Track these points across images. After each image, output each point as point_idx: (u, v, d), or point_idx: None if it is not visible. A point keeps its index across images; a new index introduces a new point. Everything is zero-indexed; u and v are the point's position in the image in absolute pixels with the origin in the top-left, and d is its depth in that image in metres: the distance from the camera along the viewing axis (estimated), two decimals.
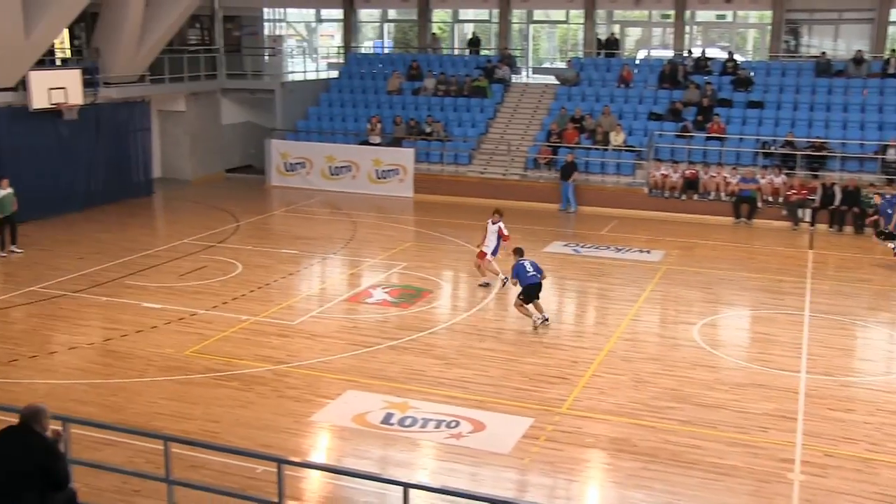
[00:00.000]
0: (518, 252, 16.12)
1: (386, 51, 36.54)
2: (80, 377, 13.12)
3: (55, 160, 23.84)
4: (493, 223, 17.79)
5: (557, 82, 30.46)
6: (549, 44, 39.11)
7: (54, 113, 23.28)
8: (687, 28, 32.40)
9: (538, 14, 35.83)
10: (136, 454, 10.36)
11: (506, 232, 17.72)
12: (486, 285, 17.74)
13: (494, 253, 17.75)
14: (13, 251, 19.86)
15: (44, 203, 22.94)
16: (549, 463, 10.68)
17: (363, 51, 35.73)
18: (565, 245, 21.57)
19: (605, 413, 12.04)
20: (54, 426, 7.57)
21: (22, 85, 22.63)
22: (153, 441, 9.65)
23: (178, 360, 13.75)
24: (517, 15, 34.62)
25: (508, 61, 31.36)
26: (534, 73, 35.20)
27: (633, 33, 36.77)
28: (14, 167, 22.00)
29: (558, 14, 35.99)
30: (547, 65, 37.18)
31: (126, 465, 9.72)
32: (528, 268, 15.55)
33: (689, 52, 30.75)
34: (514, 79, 31.47)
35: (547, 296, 18.08)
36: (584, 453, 10.99)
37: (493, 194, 26.14)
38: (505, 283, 17.32)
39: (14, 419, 7.40)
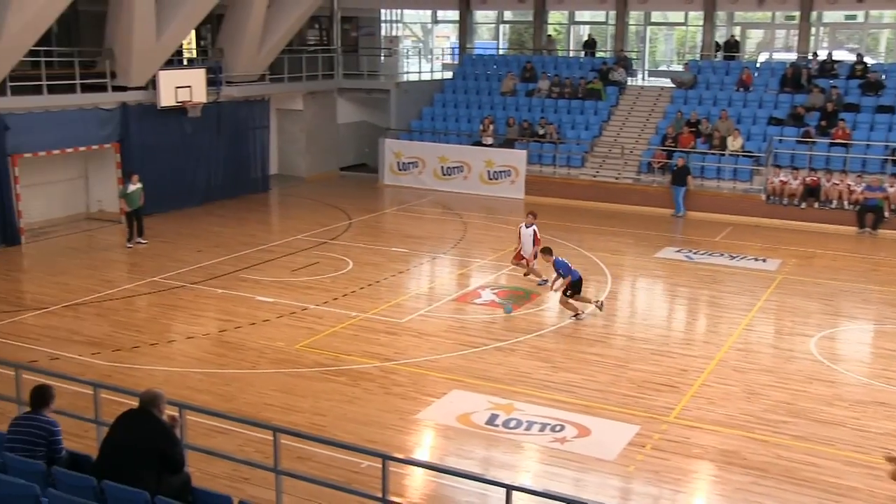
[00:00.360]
0: (548, 251, 16.21)
1: (500, 52, 36.53)
2: (196, 366, 13.58)
3: (179, 156, 24.75)
4: (528, 226, 17.73)
5: (673, 85, 29.87)
6: (667, 46, 38.37)
7: (180, 111, 24.20)
8: (812, 30, 31.23)
9: (656, 16, 35.19)
10: (247, 443, 10.65)
11: (538, 235, 17.65)
12: (545, 282, 17.61)
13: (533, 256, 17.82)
14: (139, 242, 20.73)
15: (167, 197, 23.86)
16: (654, 472, 10.48)
17: (477, 51, 35.80)
18: (677, 251, 21.13)
19: (714, 424, 11.74)
20: (171, 412, 7.87)
21: (152, 84, 23.61)
22: (263, 431, 9.91)
23: (288, 353, 14.08)
24: (634, 16, 34.06)
25: (624, 63, 30.92)
26: (650, 75, 34.59)
27: (755, 35, 35.69)
28: (141, 162, 23.05)
29: (676, 16, 35.25)
30: (663, 67, 36.50)
31: (236, 452, 10.00)
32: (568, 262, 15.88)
33: (815, 54, 29.64)
34: (630, 81, 31.01)
35: (657, 302, 17.83)
36: (691, 464, 10.74)
37: (604, 198, 25.85)
38: (545, 283, 17.52)
39: (133, 402, 7.72)
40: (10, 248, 20.48)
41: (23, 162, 20.84)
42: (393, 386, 12.87)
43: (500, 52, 36.61)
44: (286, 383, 12.90)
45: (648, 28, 35.30)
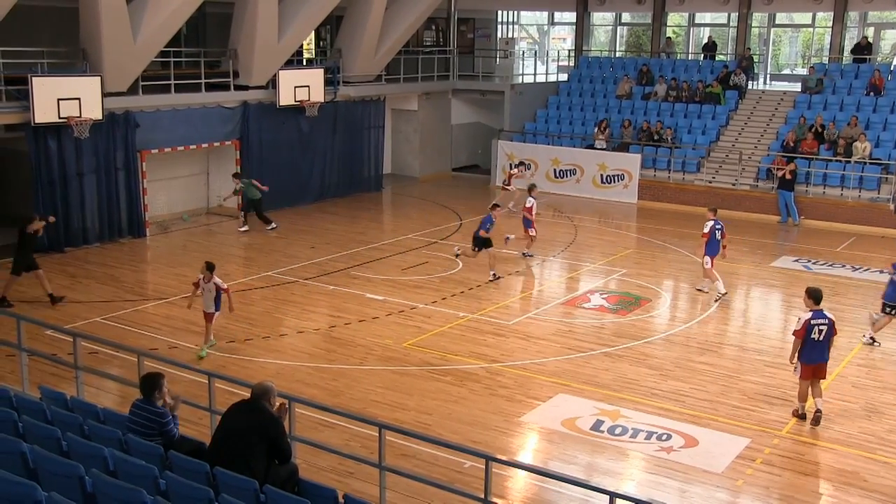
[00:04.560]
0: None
1: (617, 54, 36.06)
2: (306, 360, 13.88)
3: (295, 154, 25.37)
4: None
5: (797, 90, 28.85)
6: (791, 49, 37.12)
7: (297, 110, 24.79)
8: None
9: (781, 17, 34.05)
10: (352, 438, 10.83)
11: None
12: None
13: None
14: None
15: (283, 193, 24.48)
16: (764, 487, 10.17)
17: (593, 54, 35.43)
18: (795, 260, 20.43)
19: (830, 441, 11.30)
20: (279, 400, 8.07)
21: (272, 83, 24.27)
22: (368, 427, 10.06)
23: (396, 351, 14.25)
24: (757, 18, 33.06)
25: (746, 66, 30.02)
26: (772, 79, 33.51)
27: (889, 36, 34.08)
28: (259, 159, 23.74)
29: (803, 17, 34.04)
30: (787, 71, 35.30)
31: (342, 447, 10.16)
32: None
33: None
34: (751, 85, 30.12)
35: (772, 313, 17.29)
36: (804, 481, 10.37)
37: (720, 204, 25.06)
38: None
39: (244, 392, 7.95)
40: (137, 239, 21.39)
41: (150, 158, 21.75)
42: (498, 387, 12.87)
43: (617, 54, 36.13)
44: (393, 381, 13.06)
45: (772, 30, 34.24)
